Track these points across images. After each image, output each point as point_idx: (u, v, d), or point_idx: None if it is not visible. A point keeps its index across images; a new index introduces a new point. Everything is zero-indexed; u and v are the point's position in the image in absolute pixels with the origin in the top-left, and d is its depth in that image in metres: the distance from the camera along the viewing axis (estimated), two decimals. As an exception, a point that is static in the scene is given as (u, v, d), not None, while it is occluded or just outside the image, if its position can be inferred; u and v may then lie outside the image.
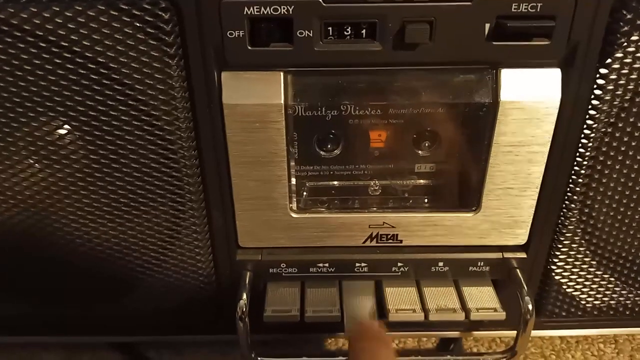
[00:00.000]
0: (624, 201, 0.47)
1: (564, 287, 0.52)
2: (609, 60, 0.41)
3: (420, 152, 0.48)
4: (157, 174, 0.44)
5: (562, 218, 0.48)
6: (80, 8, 0.38)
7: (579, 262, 0.50)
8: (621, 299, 0.53)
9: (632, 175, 0.46)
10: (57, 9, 0.38)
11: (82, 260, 0.49)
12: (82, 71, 0.40)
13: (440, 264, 0.50)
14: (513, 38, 0.40)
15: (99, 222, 0.47)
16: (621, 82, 0.41)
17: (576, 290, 0.52)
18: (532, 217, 0.48)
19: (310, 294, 0.50)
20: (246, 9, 0.38)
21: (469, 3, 0.38)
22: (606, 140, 0.44)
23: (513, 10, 0.38)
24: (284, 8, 0.38)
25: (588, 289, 0.52)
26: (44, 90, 0.41)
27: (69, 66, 0.40)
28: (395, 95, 0.44)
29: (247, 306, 0.47)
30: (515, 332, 0.49)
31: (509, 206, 0.47)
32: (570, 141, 0.44)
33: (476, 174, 0.46)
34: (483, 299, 0.50)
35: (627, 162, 0.45)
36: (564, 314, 0.54)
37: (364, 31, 0.40)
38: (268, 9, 0.38)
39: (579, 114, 0.43)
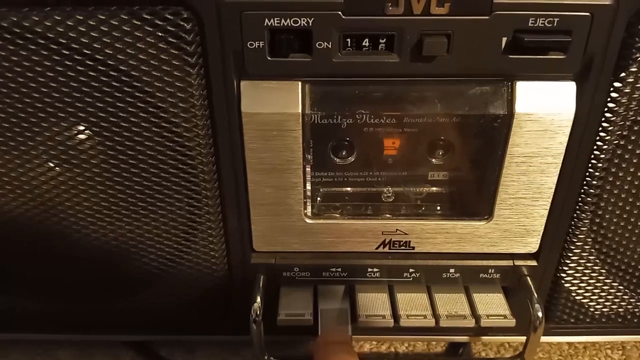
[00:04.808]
0: (634, 212, 0.47)
1: (573, 294, 0.52)
2: (623, 74, 0.41)
3: (433, 160, 0.48)
4: (175, 179, 0.45)
5: (573, 227, 0.48)
6: (103, 17, 0.38)
7: (588, 270, 0.51)
8: (629, 307, 0.54)
9: (643, 187, 0.46)
10: (80, 17, 0.38)
11: (98, 258, 0.50)
12: (103, 78, 0.40)
13: (452, 270, 0.51)
14: (529, 52, 0.40)
15: (116, 224, 0.48)
16: (635, 95, 0.41)
17: (585, 297, 0.53)
18: (543, 226, 0.48)
19: (323, 298, 0.51)
20: (266, 20, 0.39)
21: (487, 17, 0.39)
22: (618, 152, 0.44)
23: (530, 24, 0.39)
24: (303, 20, 0.39)
25: (597, 297, 0.53)
26: (65, 97, 0.41)
27: (90, 73, 0.40)
28: (411, 105, 0.44)
29: (261, 309, 0.48)
30: (523, 336, 0.50)
31: (520, 215, 0.47)
32: (582, 153, 0.44)
33: (489, 183, 0.46)
34: (493, 305, 0.50)
35: (638, 174, 0.45)
36: (572, 320, 0.54)
37: (382, 43, 0.40)
38: (288, 20, 0.39)
39: (592, 127, 0.43)
